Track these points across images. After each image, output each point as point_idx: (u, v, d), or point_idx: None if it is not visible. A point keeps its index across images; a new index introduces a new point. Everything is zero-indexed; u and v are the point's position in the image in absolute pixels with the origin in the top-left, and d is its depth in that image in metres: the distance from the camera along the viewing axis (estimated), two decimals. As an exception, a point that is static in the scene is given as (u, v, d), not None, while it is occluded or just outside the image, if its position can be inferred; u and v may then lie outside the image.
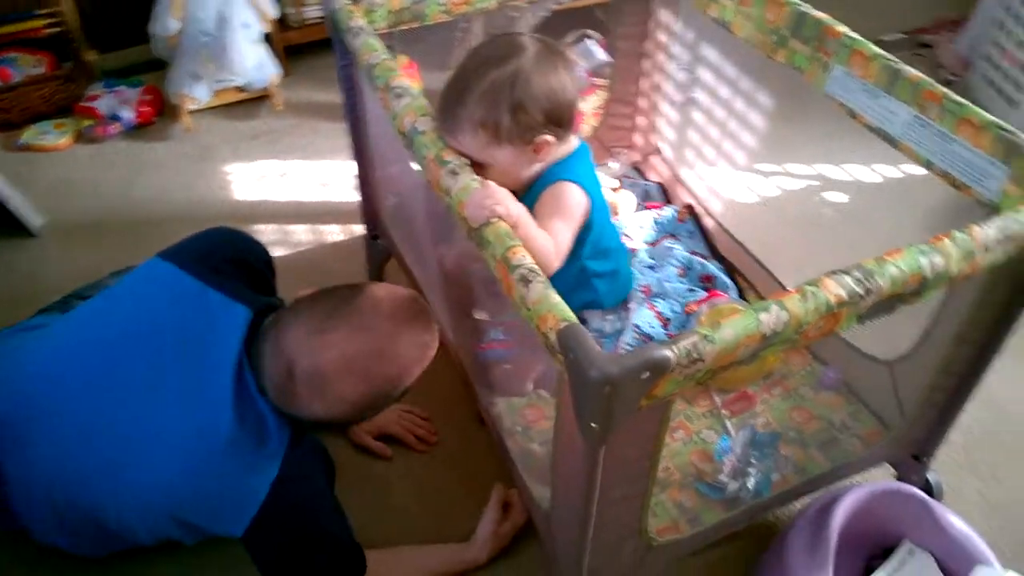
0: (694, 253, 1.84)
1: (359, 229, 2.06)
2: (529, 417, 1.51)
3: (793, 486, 1.33)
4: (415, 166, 1.85)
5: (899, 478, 1.48)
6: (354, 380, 1.14)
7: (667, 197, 2.04)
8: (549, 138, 1.15)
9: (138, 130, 2.38)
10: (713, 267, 1.79)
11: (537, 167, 1.21)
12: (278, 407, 1.17)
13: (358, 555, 1.27)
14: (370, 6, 1.54)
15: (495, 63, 1.13)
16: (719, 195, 2.11)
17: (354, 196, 2.16)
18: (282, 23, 2.55)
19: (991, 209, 1.19)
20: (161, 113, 2.43)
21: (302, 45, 2.63)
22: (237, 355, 1.16)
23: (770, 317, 0.87)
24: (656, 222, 1.94)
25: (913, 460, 1.44)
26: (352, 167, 2.25)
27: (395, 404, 1.60)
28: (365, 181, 1.81)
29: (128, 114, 2.34)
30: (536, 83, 1.12)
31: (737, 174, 2.18)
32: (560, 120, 1.16)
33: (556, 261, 1.15)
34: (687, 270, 1.79)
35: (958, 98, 1.20)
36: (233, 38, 2.20)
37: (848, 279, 0.92)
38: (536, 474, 1.36)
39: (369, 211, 1.88)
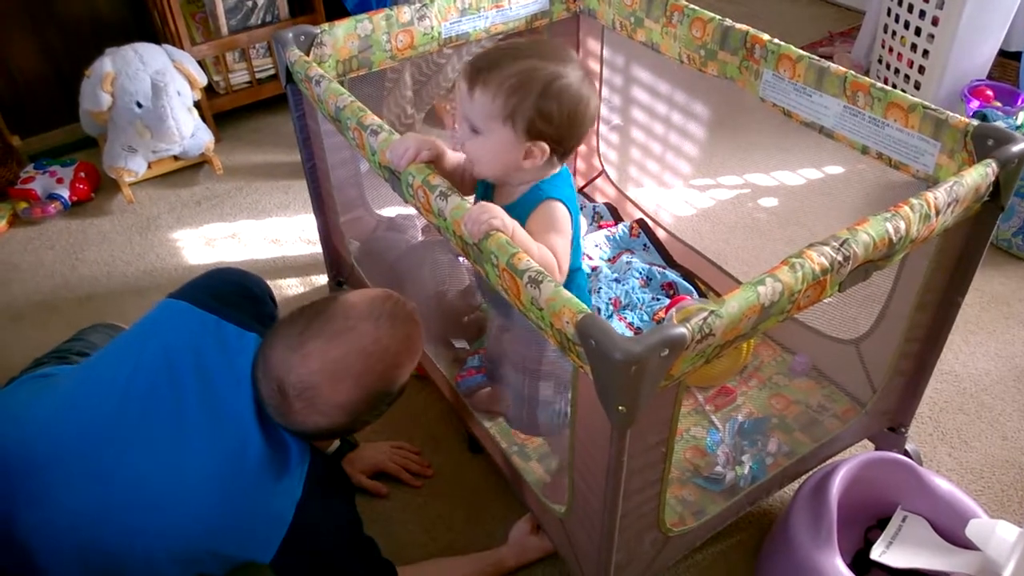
0: (651, 264, 1.91)
1: (319, 279, 2.07)
2: (520, 436, 1.54)
3: (785, 467, 1.38)
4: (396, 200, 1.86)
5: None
6: (345, 384, 1.14)
7: (616, 216, 2.12)
8: (545, 147, 1.14)
9: (77, 207, 2.34)
10: (672, 275, 1.87)
11: (514, 174, 1.19)
12: (286, 427, 1.18)
13: (388, 568, 1.27)
14: (319, 57, 1.58)
15: (547, 57, 1.14)
16: (667, 208, 2.20)
17: (307, 249, 2.18)
18: (209, 90, 2.57)
19: (929, 182, 1.30)
20: (98, 189, 2.40)
21: (227, 111, 2.66)
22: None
23: (767, 289, 0.93)
24: (610, 239, 2.01)
25: (890, 432, 1.51)
26: (303, 221, 2.28)
27: (386, 443, 1.61)
28: (327, 229, 1.82)
29: (65, 192, 2.29)
30: (569, 96, 1.13)
31: (681, 187, 2.28)
32: (563, 140, 1.16)
33: (558, 274, 1.15)
34: (648, 281, 1.86)
35: (883, 86, 1.31)
36: (171, 106, 2.20)
37: (827, 248, 0.99)
38: (544, 488, 1.38)
39: (333, 258, 1.89)
